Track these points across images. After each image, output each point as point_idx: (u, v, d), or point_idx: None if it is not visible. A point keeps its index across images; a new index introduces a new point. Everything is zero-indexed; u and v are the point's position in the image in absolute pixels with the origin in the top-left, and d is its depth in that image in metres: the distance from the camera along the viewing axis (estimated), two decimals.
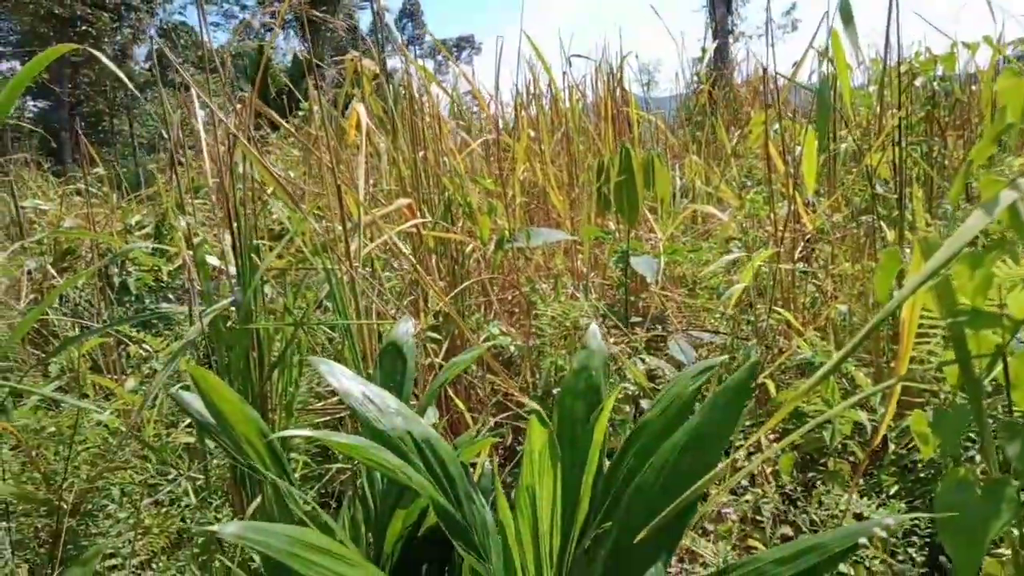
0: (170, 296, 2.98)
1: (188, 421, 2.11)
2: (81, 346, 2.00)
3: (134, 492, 1.77)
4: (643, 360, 2.07)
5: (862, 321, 2.17)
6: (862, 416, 1.61)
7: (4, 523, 1.67)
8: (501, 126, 2.63)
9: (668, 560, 0.77)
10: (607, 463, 1.11)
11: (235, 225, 1.60)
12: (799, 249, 2.34)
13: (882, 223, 2.17)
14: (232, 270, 1.74)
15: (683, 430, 0.85)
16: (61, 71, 11.56)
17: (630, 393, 1.98)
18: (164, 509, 1.77)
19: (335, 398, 1.90)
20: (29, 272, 2.73)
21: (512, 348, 2.29)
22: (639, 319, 2.42)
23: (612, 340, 2.16)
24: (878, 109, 2.57)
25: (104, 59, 1.63)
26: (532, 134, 2.55)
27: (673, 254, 2.39)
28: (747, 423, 1.69)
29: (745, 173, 3.88)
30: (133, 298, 2.80)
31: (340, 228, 1.69)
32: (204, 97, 1.60)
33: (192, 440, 1.94)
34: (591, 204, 2.33)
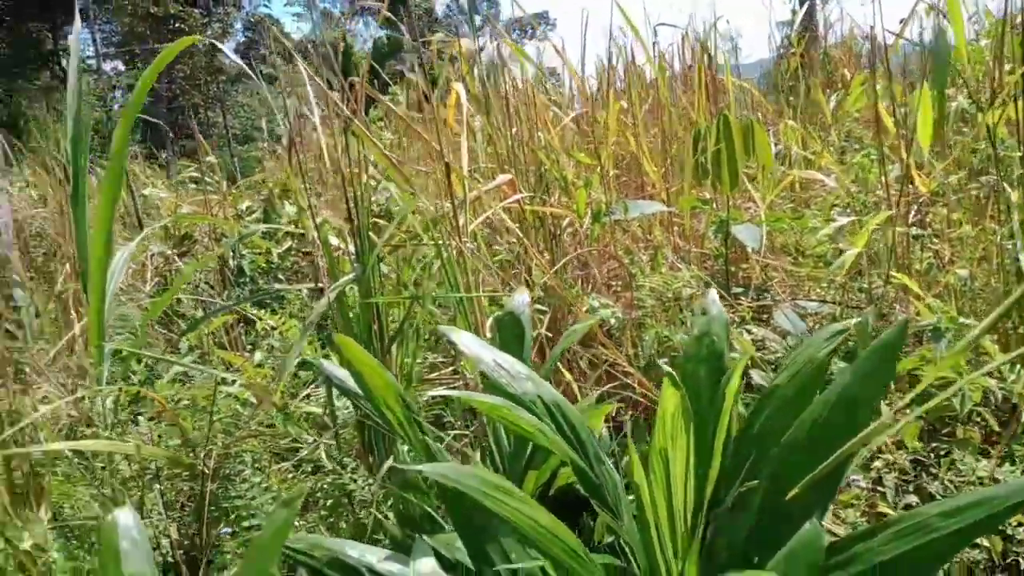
0: (280, 277, 3.13)
1: (306, 393, 2.24)
2: (210, 324, 2.15)
3: (263, 458, 1.90)
4: (749, 331, 2.04)
5: (984, 286, 2.07)
6: (992, 383, 1.55)
7: (156, 485, 1.83)
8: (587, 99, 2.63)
9: (822, 516, 0.78)
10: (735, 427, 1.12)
11: (353, 205, 1.67)
12: (912, 213, 2.25)
13: (1004, 184, 2.05)
14: (351, 248, 1.82)
15: (833, 388, 0.85)
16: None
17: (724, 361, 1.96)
18: (297, 473, 1.89)
19: (448, 369, 1.97)
20: (152, 256, 2.93)
21: (612, 320, 2.31)
22: (741, 289, 2.39)
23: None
24: (991, 64, 2.42)
25: (227, 52, 1.72)
26: (624, 105, 2.54)
27: (776, 222, 2.34)
28: None
29: (844, 137, 3.73)
30: (248, 279, 2.97)
31: (448, 205, 1.75)
32: (321, 84, 1.68)
33: (316, 410, 2.06)
34: (687, 174, 2.31)
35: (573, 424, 1.11)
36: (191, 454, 1.80)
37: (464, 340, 1.16)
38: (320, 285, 1.88)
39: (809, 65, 5.04)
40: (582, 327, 1.36)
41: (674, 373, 1.00)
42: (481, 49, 2.28)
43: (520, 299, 1.42)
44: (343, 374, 1.27)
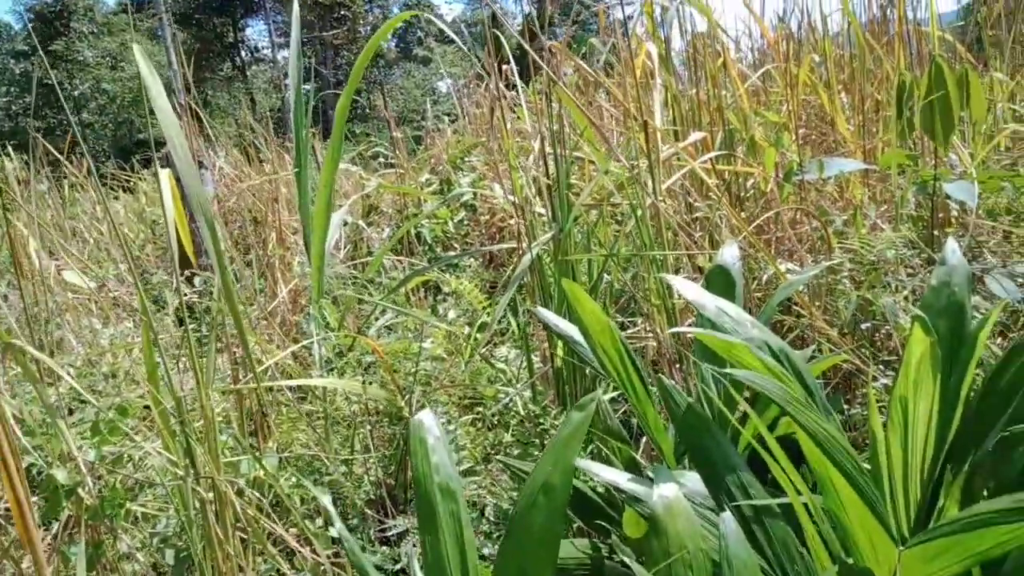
0: (455, 245, 3.30)
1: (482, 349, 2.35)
2: (409, 283, 2.31)
3: (451, 410, 2.03)
4: None
5: None
6: None
7: (366, 428, 2.01)
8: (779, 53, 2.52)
9: None
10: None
11: (553, 166, 1.73)
12: None
13: None
14: (539, 209, 1.89)
15: None
16: (326, 54, 13.13)
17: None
18: (481, 426, 2.01)
19: (635, 329, 2.00)
20: (345, 224, 3.18)
21: (802, 288, 2.23)
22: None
23: (919, 278, 2.02)
24: None
25: (442, 24, 1.82)
26: (816, 59, 2.42)
27: (989, 180, 2.14)
28: None
29: None
30: (428, 247, 3.16)
31: (644, 163, 1.76)
32: (539, 62, 1.74)
33: (503, 367, 2.17)
34: (892, 129, 2.17)
35: (800, 372, 1.10)
36: (401, 399, 1.96)
37: (686, 287, 1.18)
38: (514, 246, 1.96)
39: (1012, 11, 4.51)
40: (799, 279, 1.34)
41: (924, 317, 0.97)
42: (665, 9, 2.26)
43: (730, 252, 1.41)
44: (556, 319, 1.33)
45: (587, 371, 1.83)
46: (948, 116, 2.01)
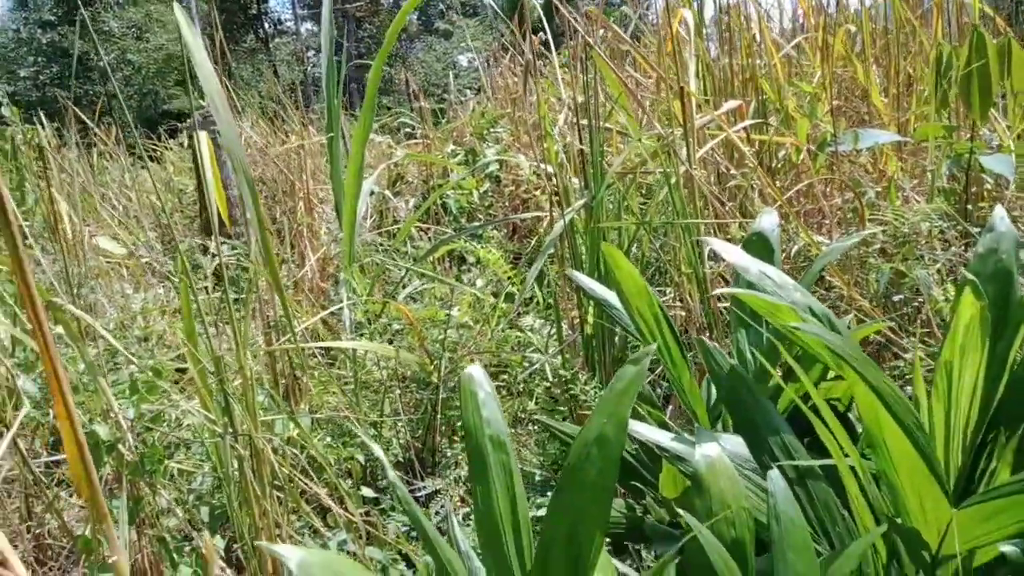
0: (479, 216, 3.30)
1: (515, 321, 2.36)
2: (435, 252, 2.32)
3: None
4: None
5: None
6: None
7: (396, 392, 2.03)
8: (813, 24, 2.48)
9: None
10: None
11: (587, 134, 1.72)
12: None
13: None
14: (572, 179, 1.88)
15: None
16: (348, 27, 13.08)
17: None
18: (510, 394, 2.02)
19: (665, 298, 2.00)
20: (372, 193, 3.18)
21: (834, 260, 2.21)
22: (979, 230, 2.19)
23: (952, 251, 1.99)
24: None
25: None
26: (852, 29, 2.37)
27: None
28: None
29: None
30: (452, 217, 3.16)
31: (679, 131, 1.74)
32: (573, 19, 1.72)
33: (529, 335, 2.18)
34: (924, 101, 2.13)
35: (842, 336, 1.10)
36: (431, 364, 1.98)
37: (729, 250, 1.17)
38: (539, 215, 1.96)
39: None
40: (840, 246, 1.33)
41: (976, 281, 0.96)
42: None
43: (768, 219, 1.40)
44: (592, 282, 1.34)
45: (616, 339, 1.83)
46: (987, 87, 1.97)
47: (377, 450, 1.12)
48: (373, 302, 2.06)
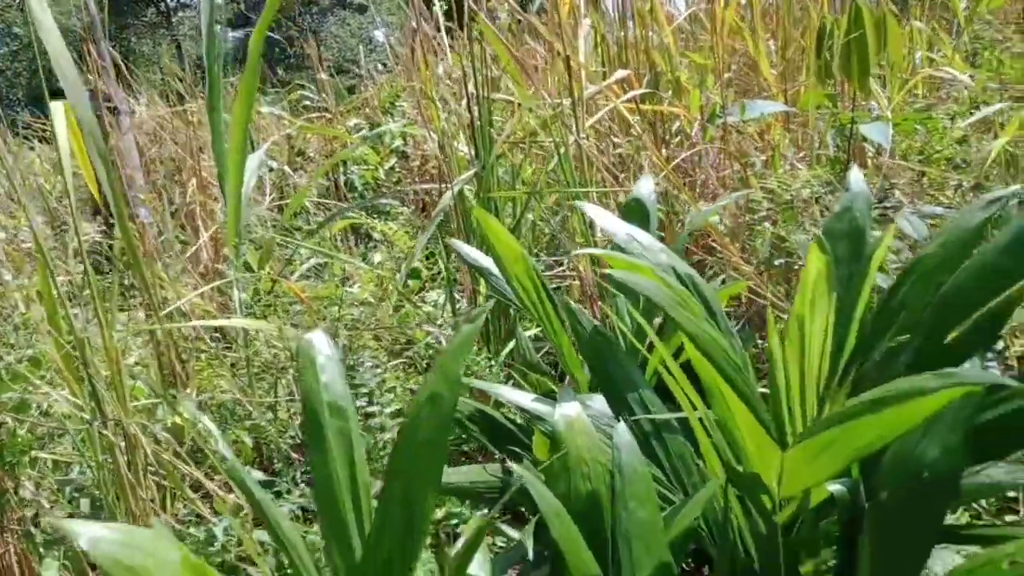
0: (386, 192, 3.23)
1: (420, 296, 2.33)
2: (331, 228, 2.26)
3: (380, 355, 2.01)
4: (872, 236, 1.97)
5: None
6: None
7: (290, 373, 1.97)
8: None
9: (983, 358, 0.78)
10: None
11: (473, 102, 1.70)
12: None
13: None
14: (463, 148, 1.86)
15: (1006, 232, 0.82)
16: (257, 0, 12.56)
17: None
18: (411, 370, 2.00)
19: (560, 268, 2.01)
20: (270, 170, 3.08)
21: (722, 227, 2.27)
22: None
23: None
24: None
25: None
26: (743, 1, 2.43)
27: (904, 122, 2.21)
28: None
29: (975, 40, 3.44)
30: (358, 194, 3.08)
31: (566, 101, 1.74)
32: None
33: (431, 309, 2.16)
34: (809, 72, 2.20)
35: (706, 296, 1.12)
36: None
37: (598, 213, 1.17)
38: (439, 187, 1.93)
39: None
40: (710, 208, 1.36)
41: (821, 236, 0.99)
42: None
43: (645, 185, 1.42)
44: (471, 250, 1.32)
45: (511, 309, 1.83)
46: (864, 57, 2.05)
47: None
48: (260, 279, 1.99)
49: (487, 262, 1.32)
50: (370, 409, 1.83)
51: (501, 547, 1.36)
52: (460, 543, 0.63)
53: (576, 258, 1.86)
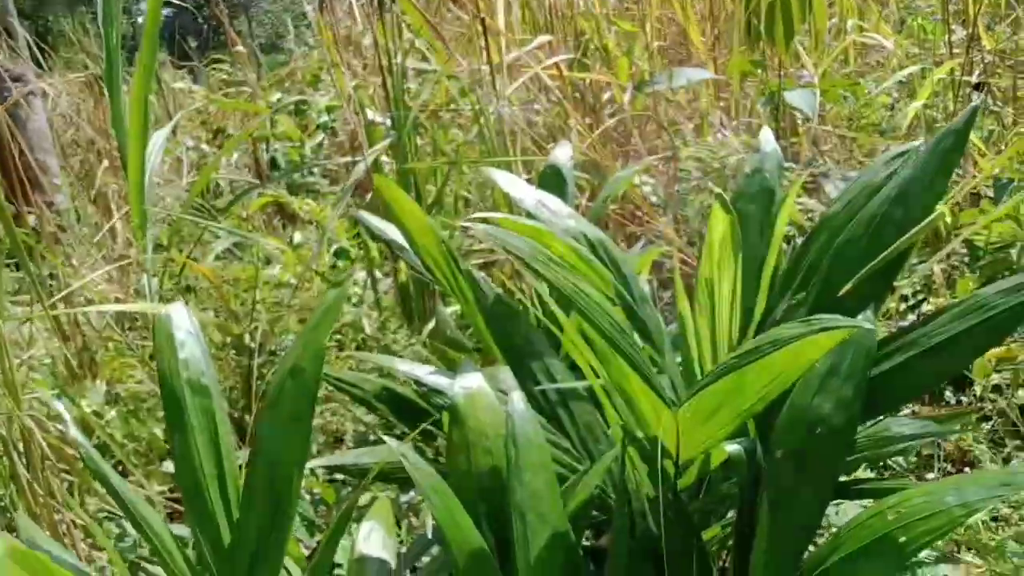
0: (314, 171, 3.13)
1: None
2: (248, 207, 2.16)
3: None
4: (799, 201, 1.98)
5: None
6: None
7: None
8: None
9: (877, 309, 0.76)
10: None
11: (387, 68, 1.63)
12: (977, 73, 2.11)
13: None
14: (387, 121, 1.79)
15: (892, 184, 0.81)
16: None
17: (788, 233, 1.91)
18: (340, 352, 1.93)
19: (486, 245, 1.96)
20: (187, 149, 2.94)
21: (654, 198, 2.25)
22: (791, 164, 2.30)
23: None
24: None
25: None
26: None
27: (830, 89, 2.22)
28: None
29: (903, 8, 3.50)
30: (282, 173, 2.97)
31: (486, 67, 1.69)
32: None
33: (356, 290, 2.09)
34: (738, 36, 2.19)
35: (617, 262, 1.09)
36: (237, 327, 1.85)
37: (506, 180, 1.13)
38: (357, 159, 1.86)
39: None
40: (630, 172, 1.32)
41: (724, 196, 0.97)
42: None
43: (562, 152, 1.37)
44: (379, 222, 1.27)
45: (435, 286, 1.78)
46: (789, 21, 2.04)
47: None
48: (173, 261, 1.89)
49: (397, 235, 1.26)
50: None
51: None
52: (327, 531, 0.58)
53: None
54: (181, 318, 0.70)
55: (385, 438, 0.65)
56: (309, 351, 0.61)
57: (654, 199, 2.23)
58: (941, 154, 0.77)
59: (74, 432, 0.63)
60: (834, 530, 0.78)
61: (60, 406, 0.70)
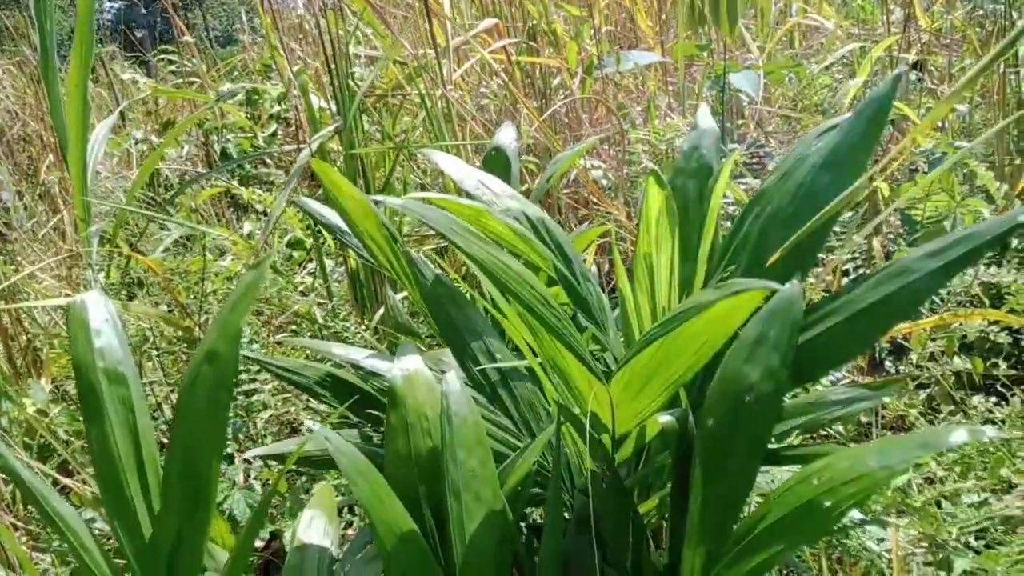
0: (267, 160, 3.07)
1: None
2: (197, 197, 2.11)
3: (261, 329, 1.91)
4: (743, 181, 2.01)
5: (983, 121, 2.01)
6: (985, 208, 1.53)
7: (154, 353, 1.85)
8: None
9: (804, 276, 0.78)
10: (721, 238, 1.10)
11: (329, 52, 1.60)
12: (914, 54, 2.16)
13: (1013, 10, 1.95)
14: (333, 106, 1.76)
15: (818, 151, 0.82)
16: None
17: (731, 213, 1.94)
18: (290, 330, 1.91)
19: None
20: (136, 142, 2.87)
21: (604, 181, 2.27)
22: (736, 146, 2.33)
23: None
24: None
25: None
26: None
27: (774, 71, 2.25)
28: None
29: None
30: (232, 163, 2.91)
31: (432, 51, 1.67)
32: None
33: (307, 280, 2.07)
34: (682, 18, 2.20)
35: (559, 241, 1.09)
36: (186, 319, 1.81)
37: (446, 161, 1.12)
38: (302, 146, 1.83)
39: None
40: (574, 151, 1.32)
41: (659, 171, 0.97)
42: None
43: (506, 133, 1.37)
44: (319, 207, 1.25)
45: (384, 272, 1.77)
46: (734, 5, 2.06)
47: None
48: (119, 254, 1.84)
49: (339, 220, 1.25)
50: (250, 387, 1.74)
51: None
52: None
53: None
54: (97, 306, 0.68)
55: (308, 422, 0.65)
56: (225, 335, 0.60)
57: (605, 182, 2.24)
58: (866, 121, 0.79)
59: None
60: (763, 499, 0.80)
61: None
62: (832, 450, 0.69)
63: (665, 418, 0.74)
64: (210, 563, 0.71)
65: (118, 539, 0.61)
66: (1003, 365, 1.24)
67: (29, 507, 1.52)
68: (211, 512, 0.58)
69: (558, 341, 0.65)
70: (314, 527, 0.84)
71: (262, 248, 1.96)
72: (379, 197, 0.74)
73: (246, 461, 1.54)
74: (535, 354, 0.86)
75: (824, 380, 1.24)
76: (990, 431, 0.54)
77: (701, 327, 0.60)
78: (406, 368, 0.86)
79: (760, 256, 0.82)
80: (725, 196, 1.95)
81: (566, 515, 0.83)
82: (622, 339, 1.10)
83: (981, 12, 2.10)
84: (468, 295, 1.07)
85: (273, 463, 1.49)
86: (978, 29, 2.24)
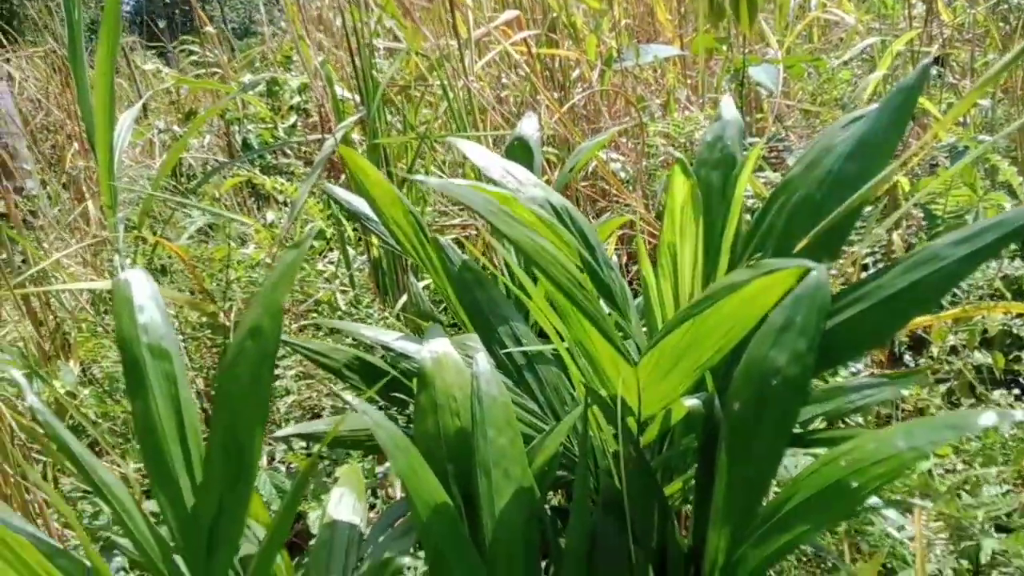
0: (287, 151, 3.10)
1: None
2: (220, 186, 2.14)
3: (283, 317, 1.94)
4: (763, 175, 2.01)
5: (1007, 117, 2.00)
6: (1007, 202, 1.53)
7: (179, 335, 1.88)
8: None
9: (830, 264, 0.79)
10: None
11: (354, 44, 1.62)
12: (935, 48, 2.15)
13: None
14: (356, 97, 1.78)
15: (844, 140, 0.83)
16: None
17: (750, 206, 1.94)
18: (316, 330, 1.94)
19: (458, 220, 1.97)
20: (159, 131, 2.90)
21: (623, 174, 2.27)
22: (755, 140, 2.33)
23: None
24: None
25: None
26: None
27: (794, 65, 2.24)
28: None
29: None
30: (253, 153, 2.94)
31: (454, 43, 1.69)
32: None
33: (330, 268, 2.09)
34: (701, 12, 2.20)
35: (583, 229, 1.10)
36: (212, 306, 1.84)
37: (472, 148, 1.14)
38: (326, 136, 1.85)
39: None
40: (595, 142, 1.34)
41: (684, 160, 0.98)
42: None
43: (529, 124, 1.38)
44: (346, 194, 1.27)
45: (406, 259, 1.79)
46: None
47: None
48: (145, 241, 1.87)
49: (365, 207, 1.27)
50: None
51: None
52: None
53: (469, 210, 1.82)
54: (140, 283, 0.70)
55: (350, 399, 0.66)
56: (268, 311, 0.62)
57: (623, 175, 2.25)
58: (893, 111, 0.79)
59: (36, 403, 0.63)
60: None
61: (23, 380, 0.69)
62: (858, 433, 0.69)
63: (691, 401, 0.75)
64: (247, 534, 0.74)
65: (161, 509, 0.63)
66: None
67: (59, 485, 1.56)
68: (252, 485, 0.60)
69: (588, 321, 0.67)
70: (343, 504, 0.86)
71: (285, 238, 1.98)
72: (419, 176, 0.76)
73: (268, 443, 1.56)
74: (561, 338, 0.87)
75: (843, 372, 1.25)
76: (1019, 414, 0.55)
77: (732, 308, 0.61)
78: (435, 350, 0.87)
79: (787, 244, 0.83)
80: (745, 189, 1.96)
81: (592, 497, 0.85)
82: (644, 328, 1.11)
83: (1005, 6, 2.08)
84: (500, 284, 1.08)
85: (297, 446, 1.52)
86: (1001, 24, 2.22)
